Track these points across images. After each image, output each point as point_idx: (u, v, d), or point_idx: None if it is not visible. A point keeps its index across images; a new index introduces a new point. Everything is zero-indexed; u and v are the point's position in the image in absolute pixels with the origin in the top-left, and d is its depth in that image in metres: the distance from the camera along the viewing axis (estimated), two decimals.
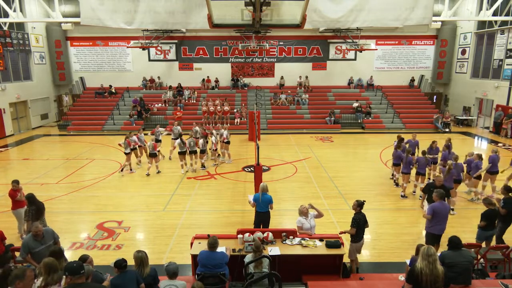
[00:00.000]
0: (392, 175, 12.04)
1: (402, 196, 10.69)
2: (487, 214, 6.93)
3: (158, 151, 13.19)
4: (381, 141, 18.33)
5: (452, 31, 24.17)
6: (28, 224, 7.07)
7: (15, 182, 8.07)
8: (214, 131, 14.62)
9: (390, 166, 12.81)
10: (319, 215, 6.86)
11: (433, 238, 6.87)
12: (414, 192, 10.87)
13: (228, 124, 21.47)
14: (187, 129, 20.87)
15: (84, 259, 4.76)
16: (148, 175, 12.81)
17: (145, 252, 4.85)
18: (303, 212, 6.69)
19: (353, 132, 21.01)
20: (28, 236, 5.59)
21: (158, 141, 13.85)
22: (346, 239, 7.24)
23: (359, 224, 6.30)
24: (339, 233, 6.61)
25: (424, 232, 8.54)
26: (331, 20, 17.59)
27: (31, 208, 7.23)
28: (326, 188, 11.54)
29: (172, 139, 14.83)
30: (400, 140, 11.85)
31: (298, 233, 6.57)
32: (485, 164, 10.26)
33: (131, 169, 13.36)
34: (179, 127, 14.99)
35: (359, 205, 6.41)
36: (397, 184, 11.59)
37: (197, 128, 14.35)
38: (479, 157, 10.16)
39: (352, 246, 6.48)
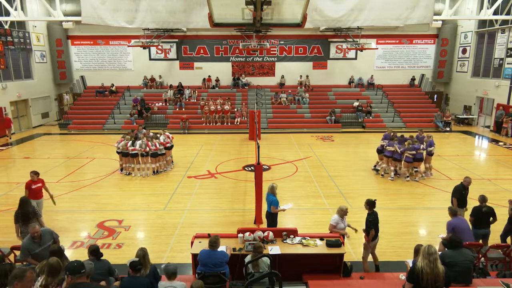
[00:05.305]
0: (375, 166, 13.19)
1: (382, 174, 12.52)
2: (475, 210, 6.98)
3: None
4: None
5: (453, 30, 24.13)
6: (16, 227, 6.93)
7: (34, 173, 8.49)
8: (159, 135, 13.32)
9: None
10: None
11: None
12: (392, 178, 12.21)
13: (229, 124, 21.70)
14: (190, 127, 21.13)
15: (95, 249, 5.03)
16: (129, 174, 12.69)
17: (146, 250, 4.88)
18: (344, 212, 6.64)
19: (354, 131, 20.98)
20: (27, 238, 5.58)
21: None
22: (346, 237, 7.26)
23: (375, 223, 6.36)
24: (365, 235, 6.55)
25: (423, 232, 8.56)
26: (332, 19, 17.57)
27: (17, 212, 6.97)
28: (327, 187, 11.54)
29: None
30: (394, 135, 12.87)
31: (329, 231, 6.55)
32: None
33: (121, 169, 13.07)
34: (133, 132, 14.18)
35: (370, 204, 6.41)
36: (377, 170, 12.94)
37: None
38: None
39: (366, 245, 6.51)
